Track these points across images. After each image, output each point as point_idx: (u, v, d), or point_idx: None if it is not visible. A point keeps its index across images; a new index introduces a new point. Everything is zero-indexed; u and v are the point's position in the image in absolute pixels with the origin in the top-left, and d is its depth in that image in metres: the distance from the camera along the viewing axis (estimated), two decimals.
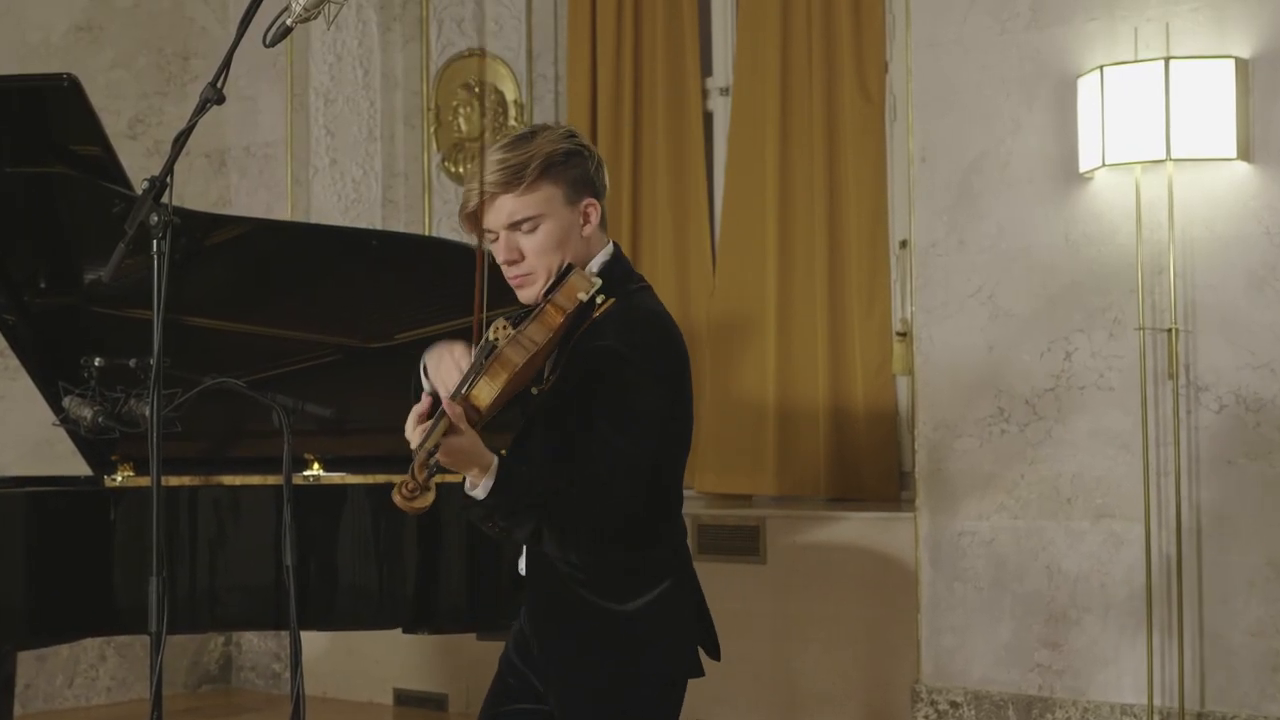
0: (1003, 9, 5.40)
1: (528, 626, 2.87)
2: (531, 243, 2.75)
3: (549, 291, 2.72)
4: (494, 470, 2.59)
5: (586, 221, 2.78)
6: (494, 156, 2.77)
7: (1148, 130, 4.89)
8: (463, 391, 2.57)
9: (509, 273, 2.79)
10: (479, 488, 2.60)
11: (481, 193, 2.76)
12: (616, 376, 2.70)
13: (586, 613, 2.77)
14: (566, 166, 2.77)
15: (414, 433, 2.62)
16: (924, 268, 5.54)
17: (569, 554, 2.73)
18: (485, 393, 2.55)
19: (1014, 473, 5.34)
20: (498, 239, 2.77)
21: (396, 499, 2.51)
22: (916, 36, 5.59)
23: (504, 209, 2.75)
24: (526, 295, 2.80)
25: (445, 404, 2.54)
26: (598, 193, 2.83)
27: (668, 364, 2.77)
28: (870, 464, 6.03)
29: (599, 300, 2.72)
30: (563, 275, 2.74)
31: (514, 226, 2.75)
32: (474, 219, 2.77)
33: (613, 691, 2.78)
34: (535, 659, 2.86)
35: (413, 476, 2.50)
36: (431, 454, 2.50)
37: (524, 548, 2.87)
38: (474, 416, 2.56)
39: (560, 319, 2.65)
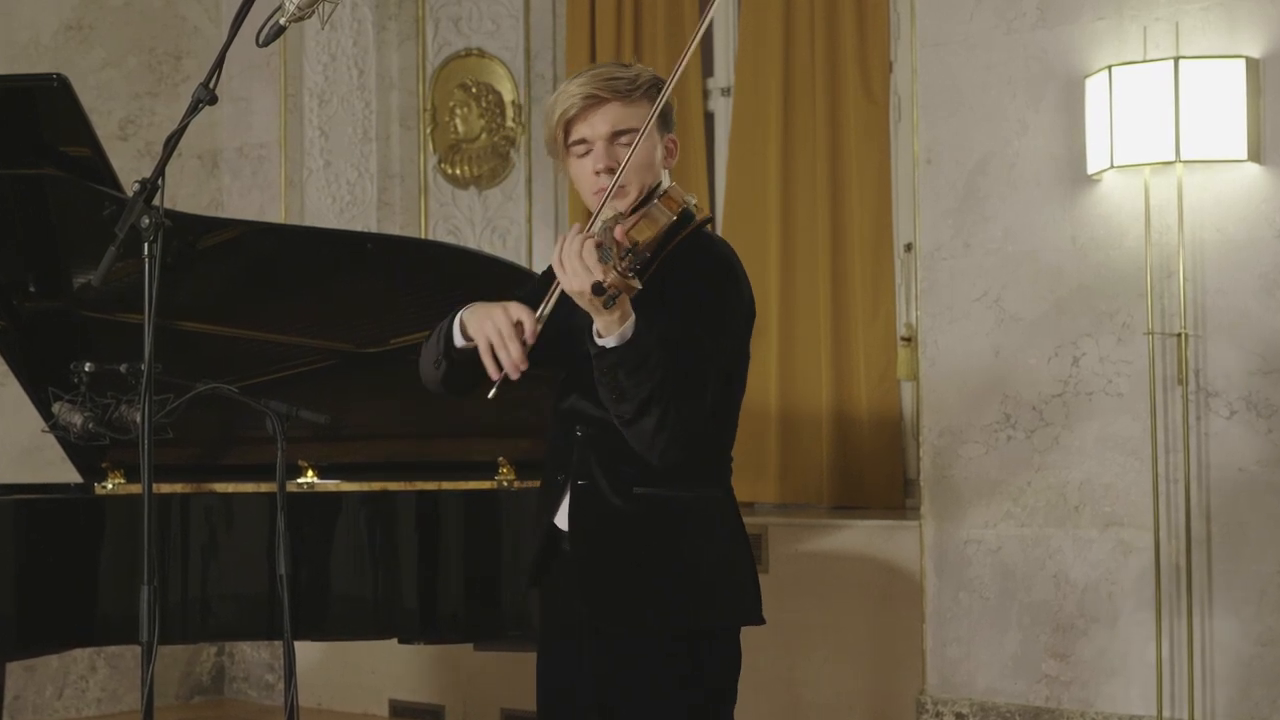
0: (1009, 8, 5.34)
1: (576, 577, 2.85)
2: (630, 154, 2.79)
3: (642, 204, 2.81)
4: (633, 322, 2.64)
5: (670, 154, 2.91)
6: (601, 71, 2.88)
7: (1157, 131, 4.84)
8: (625, 227, 2.70)
9: (597, 184, 2.83)
10: (613, 336, 2.63)
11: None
12: (716, 289, 2.79)
13: (643, 550, 2.80)
14: (663, 96, 2.83)
15: (583, 250, 2.64)
16: (929, 271, 5.48)
17: (660, 440, 2.71)
18: (645, 232, 2.69)
19: (1020, 480, 5.27)
20: (589, 151, 2.84)
21: (602, 277, 2.60)
22: (921, 36, 5.53)
23: (610, 115, 2.84)
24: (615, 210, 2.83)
25: (618, 231, 2.67)
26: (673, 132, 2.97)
27: (750, 297, 2.88)
28: (874, 471, 5.97)
29: (695, 214, 2.81)
30: (653, 191, 2.86)
31: (615, 136, 2.82)
32: (569, 125, 2.87)
33: (682, 637, 2.80)
34: (583, 625, 2.84)
35: (618, 272, 2.61)
36: (629, 253, 2.65)
37: (561, 505, 2.89)
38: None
39: (668, 218, 2.73)
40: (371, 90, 6.90)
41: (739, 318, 2.84)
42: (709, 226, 2.91)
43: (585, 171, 2.85)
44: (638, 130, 2.80)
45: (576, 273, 2.59)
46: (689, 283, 2.76)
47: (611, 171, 2.79)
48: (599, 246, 2.60)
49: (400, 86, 6.90)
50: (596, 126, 2.83)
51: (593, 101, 2.82)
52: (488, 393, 2.71)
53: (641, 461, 2.74)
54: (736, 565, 2.89)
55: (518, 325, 2.69)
